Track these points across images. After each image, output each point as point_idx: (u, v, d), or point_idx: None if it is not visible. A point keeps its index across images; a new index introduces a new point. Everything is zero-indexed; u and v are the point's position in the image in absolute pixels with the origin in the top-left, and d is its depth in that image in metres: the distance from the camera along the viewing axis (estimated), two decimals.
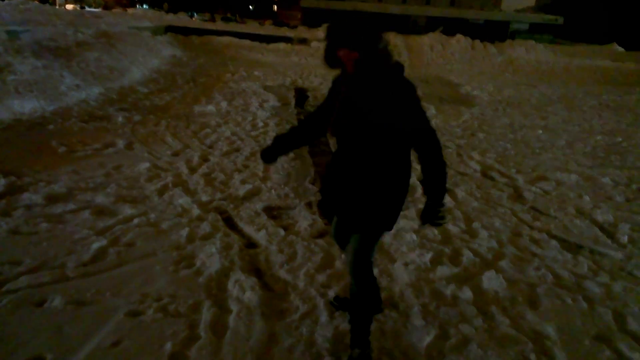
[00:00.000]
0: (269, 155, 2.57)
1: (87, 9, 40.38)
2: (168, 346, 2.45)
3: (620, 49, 25.86)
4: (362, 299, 2.43)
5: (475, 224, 4.20)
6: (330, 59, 2.22)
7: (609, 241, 4.03)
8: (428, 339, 2.70)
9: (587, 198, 4.96)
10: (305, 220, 4.05)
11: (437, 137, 2.21)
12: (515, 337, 2.76)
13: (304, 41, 20.85)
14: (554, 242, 3.94)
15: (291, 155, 5.86)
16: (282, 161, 5.57)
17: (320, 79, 12.79)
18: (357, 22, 2.15)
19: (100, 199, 4.13)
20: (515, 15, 37.88)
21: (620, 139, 7.79)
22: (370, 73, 2.15)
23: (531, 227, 4.23)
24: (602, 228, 4.27)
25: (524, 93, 10.82)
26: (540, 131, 8.14)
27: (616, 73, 13.36)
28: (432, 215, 2.22)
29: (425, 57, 20.73)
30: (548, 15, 37.86)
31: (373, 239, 2.40)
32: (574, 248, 3.88)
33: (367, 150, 2.22)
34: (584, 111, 9.70)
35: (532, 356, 2.61)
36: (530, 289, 3.24)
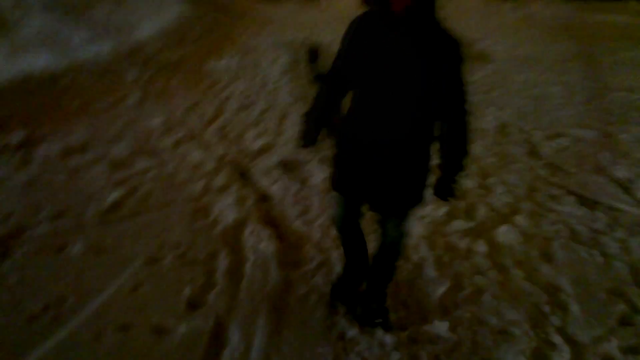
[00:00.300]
0: (309, 137, 2.23)
1: None
2: (186, 291, 2.50)
3: None
4: (394, 264, 2.41)
5: (491, 179, 4.16)
6: None
7: (627, 197, 3.99)
8: (442, 290, 2.72)
9: (605, 154, 4.88)
10: (319, 173, 4.04)
11: (469, 108, 2.00)
12: (529, 289, 2.77)
13: None
14: (571, 198, 3.90)
15: (304, 108, 5.80)
16: (295, 115, 5.53)
17: (333, 35, 12.50)
18: None
19: (115, 151, 4.15)
20: None
21: (638, 96, 7.60)
22: (424, 19, 1.84)
23: (548, 183, 4.18)
24: (620, 184, 4.21)
25: (541, 49, 10.54)
26: (558, 88, 7.97)
27: (635, 29, 12.94)
28: (445, 190, 2.09)
29: (439, 12, 20.12)
30: None
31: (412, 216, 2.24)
32: (591, 204, 3.84)
33: (405, 113, 1.95)
34: (603, 68, 9.46)
35: (546, 308, 2.63)
36: (546, 243, 3.24)
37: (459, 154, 2.02)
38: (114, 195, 3.39)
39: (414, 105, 1.93)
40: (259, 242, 3.02)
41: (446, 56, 1.86)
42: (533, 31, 12.37)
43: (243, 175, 3.99)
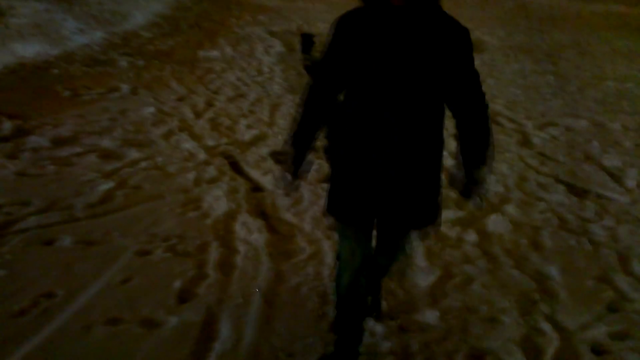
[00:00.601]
0: (297, 166, 1.98)
1: None
2: (177, 283, 2.51)
3: None
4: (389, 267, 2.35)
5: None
6: None
7: (616, 186, 4.01)
8: (432, 279, 2.74)
9: (595, 143, 4.90)
10: (311, 164, 4.04)
11: (485, 98, 1.83)
12: (518, 277, 2.79)
13: None
14: (560, 187, 3.93)
15: (296, 99, 5.79)
16: (288, 106, 5.52)
17: (326, 24, 12.40)
18: None
19: (106, 142, 4.13)
20: None
21: (631, 85, 7.63)
22: (426, 8, 1.67)
23: (538, 172, 4.20)
24: (609, 173, 4.24)
25: (535, 38, 10.53)
26: (551, 77, 7.98)
27: (630, 19, 12.94)
28: (472, 188, 1.90)
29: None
30: None
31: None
32: (580, 192, 3.87)
33: (414, 113, 1.73)
34: (596, 57, 9.48)
35: (535, 295, 2.65)
36: (535, 232, 3.26)
37: (481, 147, 1.85)
38: (104, 187, 3.37)
39: (423, 103, 1.74)
40: (250, 234, 3.03)
41: (455, 46, 1.69)
42: (527, 21, 12.35)
43: (234, 166, 3.99)
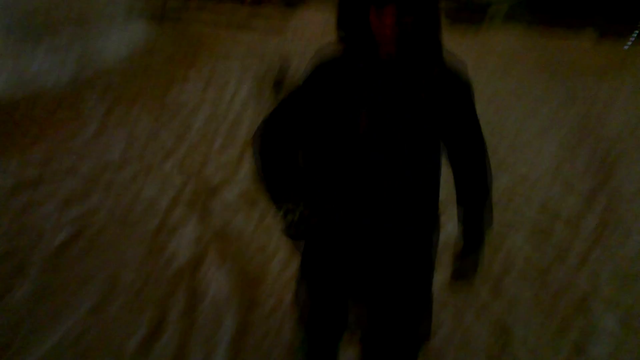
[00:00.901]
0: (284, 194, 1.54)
1: None
2: (137, 336, 2.43)
3: (596, 34, 26.15)
4: None
5: (442, 218, 4.21)
6: (350, 27, 1.36)
7: (575, 230, 4.10)
8: None
9: (555, 187, 5.02)
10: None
11: (489, 162, 1.59)
12: (478, 329, 2.79)
13: (283, 20, 20.59)
14: (520, 232, 3.97)
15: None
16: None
17: (298, 64, 12.62)
18: None
19: (69, 185, 4.04)
20: None
21: (591, 126, 7.89)
22: (424, 58, 1.36)
23: (499, 221, 4.26)
24: (568, 217, 4.33)
25: (498, 80, 10.86)
26: (512, 119, 8.19)
27: (589, 61, 13.49)
28: (468, 267, 1.64)
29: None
30: None
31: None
32: (539, 237, 3.93)
33: (402, 184, 1.45)
34: (557, 97, 9.81)
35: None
36: (496, 279, 3.27)
37: (479, 225, 1.62)
38: (64, 234, 3.28)
39: (414, 172, 1.46)
40: (215, 281, 2.98)
41: (454, 104, 1.43)
42: (492, 61, 12.74)
43: (201, 209, 3.94)
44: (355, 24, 1.33)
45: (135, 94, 7.80)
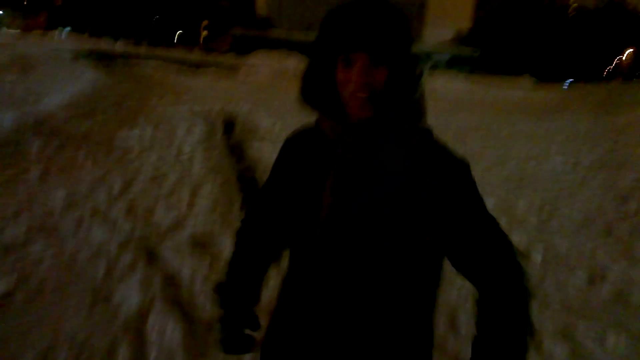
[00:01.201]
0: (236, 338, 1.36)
1: (4, 29, 38.57)
2: None
3: (533, 79, 28.10)
4: None
5: None
6: (315, 83, 1.11)
7: (524, 262, 4.23)
8: None
9: (502, 220, 5.20)
10: (232, 248, 3.97)
11: (517, 258, 1.18)
12: None
13: (233, 67, 20.87)
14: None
15: (219, 180, 5.77)
16: (210, 186, 5.47)
17: (249, 105, 12.76)
18: (392, 10, 1.04)
19: (10, 232, 3.85)
20: (435, 47, 40.03)
21: (533, 164, 8.30)
22: (399, 121, 1.10)
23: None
24: (517, 250, 4.48)
25: (444, 121, 11.33)
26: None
27: (529, 103, 14.34)
28: None
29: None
30: (466, 47, 40.32)
31: None
32: None
33: (382, 301, 1.12)
34: (501, 138, 10.29)
35: None
36: (450, 313, 3.32)
37: (509, 332, 1.10)
38: (3, 284, 3.10)
39: (394, 283, 1.12)
40: (164, 331, 2.86)
41: (449, 190, 1.10)
42: (437, 104, 13.32)
43: (150, 254, 3.83)
44: (321, 84, 1.10)
45: (82, 136, 7.61)
